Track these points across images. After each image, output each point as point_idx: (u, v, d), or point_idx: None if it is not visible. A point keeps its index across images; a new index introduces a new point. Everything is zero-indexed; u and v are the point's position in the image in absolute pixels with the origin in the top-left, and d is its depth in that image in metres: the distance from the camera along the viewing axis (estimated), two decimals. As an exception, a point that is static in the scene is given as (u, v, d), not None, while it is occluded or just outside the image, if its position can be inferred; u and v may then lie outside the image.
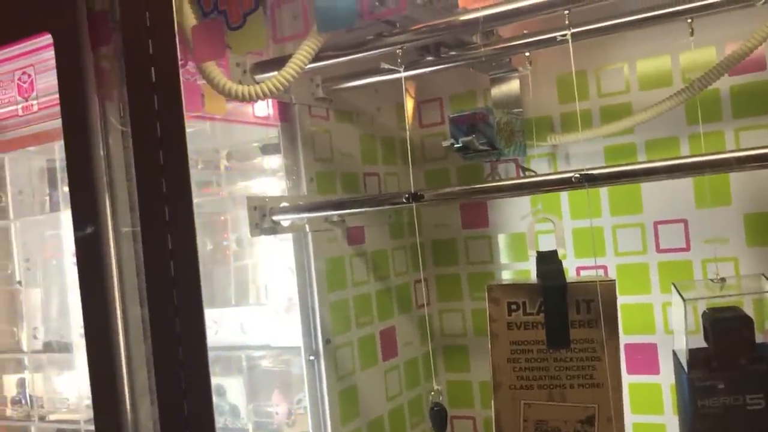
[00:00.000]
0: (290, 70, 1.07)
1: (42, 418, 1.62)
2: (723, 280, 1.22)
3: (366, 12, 1.00)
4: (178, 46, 0.94)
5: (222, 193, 1.57)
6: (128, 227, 1.01)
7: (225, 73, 1.11)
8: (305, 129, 1.42)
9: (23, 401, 1.64)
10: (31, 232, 1.67)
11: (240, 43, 1.06)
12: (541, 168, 1.61)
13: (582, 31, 1.24)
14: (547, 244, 1.15)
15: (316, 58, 1.11)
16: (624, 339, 1.53)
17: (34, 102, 1.35)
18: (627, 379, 1.53)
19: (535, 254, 1.15)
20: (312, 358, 1.39)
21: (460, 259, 1.75)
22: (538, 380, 1.13)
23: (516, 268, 1.70)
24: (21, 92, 1.35)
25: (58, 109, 1.03)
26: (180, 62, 0.94)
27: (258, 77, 1.23)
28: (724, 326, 1.12)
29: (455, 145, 1.39)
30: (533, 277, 1.17)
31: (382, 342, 1.58)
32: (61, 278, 1.63)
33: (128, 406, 1.01)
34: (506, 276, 1.71)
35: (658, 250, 1.52)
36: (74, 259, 1.04)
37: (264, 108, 1.39)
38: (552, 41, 1.28)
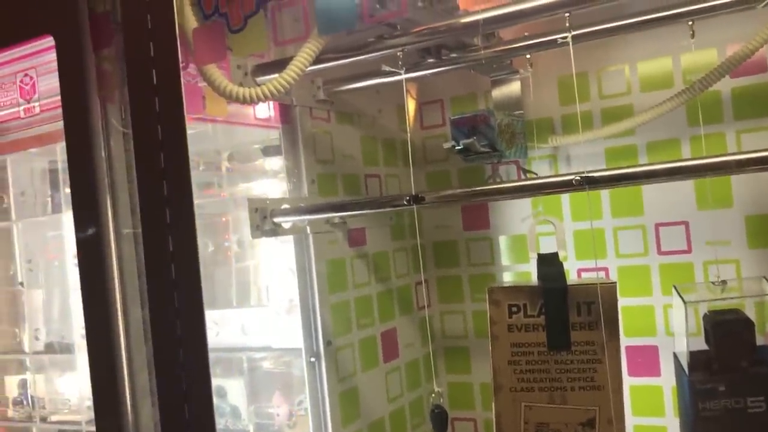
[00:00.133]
0: (291, 72, 1.07)
1: (43, 419, 1.62)
2: (724, 282, 1.21)
3: (366, 14, 1.00)
4: (179, 49, 0.94)
5: (223, 195, 1.57)
6: (129, 229, 1.01)
7: (226, 75, 1.11)
8: (306, 131, 1.43)
9: (25, 402, 1.64)
10: (33, 233, 1.67)
11: (241, 45, 1.06)
12: (542, 170, 1.61)
13: (583, 33, 1.24)
14: (548, 246, 1.14)
15: (317, 61, 1.11)
16: (625, 341, 1.53)
17: (36, 104, 1.35)
18: (628, 381, 1.53)
19: (536, 256, 1.15)
20: (313, 359, 1.39)
21: (461, 261, 1.75)
22: (539, 382, 1.13)
23: (517, 270, 1.70)
24: (23, 94, 1.36)
25: (59, 111, 1.03)
26: (181, 64, 0.95)
27: (259, 79, 1.24)
28: (725, 329, 1.12)
29: (456, 147, 1.39)
30: (534, 279, 1.17)
31: (383, 344, 1.58)
32: (62, 279, 1.63)
33: (129, 408, 1.01)
34: (507, 278, 1.71)
35: (660, 252, 1.52)
36: (76, 261, 1.05)
37: (265, 110, 1.39)
38: (553, 44, 1.28)
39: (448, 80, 1.70)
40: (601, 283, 1.10)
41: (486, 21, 1.10)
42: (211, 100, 1.19)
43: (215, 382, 1.51)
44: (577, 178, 1.03)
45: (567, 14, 1.06)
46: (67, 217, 1.56)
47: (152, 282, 0.98)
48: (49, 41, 1.03)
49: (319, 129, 1.47)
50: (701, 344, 1.15)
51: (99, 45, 1.01)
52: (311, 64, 1.09)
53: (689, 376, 1.12)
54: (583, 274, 1.57)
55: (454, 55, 1.36)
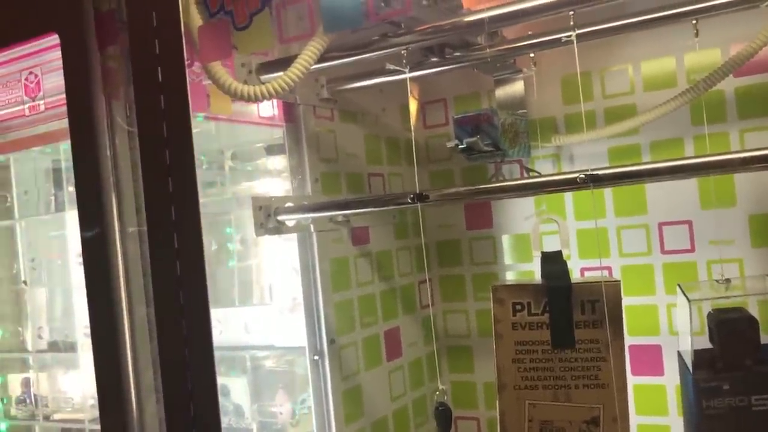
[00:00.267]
0: (296, 70, 1.07)
1: (46, 418, 1.62)
2: (728, 280, 1.22)
3: (372, 12, 1.01)
4: (184, 46, 0.94)
5: (227, 194, 1.57)
6: (134, 227, 1.01)
7: (230, 73, 1.11)
8: (310, 129, 1.43)
9: (28, 401, 1.64)
10: (36, 231, 1.68)
11: (246, 43, 1.06)
12: (545, 169, 1.61)
13: (587, 32, 1.24)
14: (551, 246, 1.15)
15: (321, 59, 1.11)
16: (628, 340, 1.52)
17: (41, 102, 1.35)
18: (631, 381, 1.53)
19: (539, 255, 1.15)
20: (316, 357, 1.39)
21: (464, 260, 1.75)
22: (543, 380, 1.13)
23: (520, 269, 1.70)
24: (28, 92, 1.36)
25: (64, 109, 1.03)
26: (186, 62, 0.95)
27: (263, 77, 1.24)
28: (729, 327, 1.12)
29: (459, 146, 1.39)
30: (537, 277, 1.17)
31: (386, 342, 1.58)
32: (65, 278, 1.63)
33: (134, 406, 1.01)
34: (510, 277, 1.71)
35: (663, 252, 1.52)
36: (79, 259, 1.05)
37: (269, 108, 1.39)
38: (557, 42, 1.28)
39: (451, 79, 1.70)
40: (605, 282, 1.11)
41: (490, 19, 1.10)
42: (216, 99, 1.19)
43: (219, 380, 1.51)
44: (582, 176, 1.03)
45: (571, 12, 1.06)
46: (71, 216, 1.57)
47: (157, 279, 0.98)
48: (54, 39, 1.04)
49: (323, 128, 1.47)
50: (705, 343, 1.15)
51: (104, 43, 1.01)
52: (315, 63, 1.09)
53: (693, 374, 1.12)
54: (587, 273, 1.57)
55: (457, 53, 1.37)
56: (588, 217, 1.57)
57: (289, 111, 1.41)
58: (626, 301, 1.13)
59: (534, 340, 1.13)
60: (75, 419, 1.60)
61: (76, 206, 1.04)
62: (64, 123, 1.03)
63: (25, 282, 1.67)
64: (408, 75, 1.22)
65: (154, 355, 1.01)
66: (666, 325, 1.52)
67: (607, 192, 1.55)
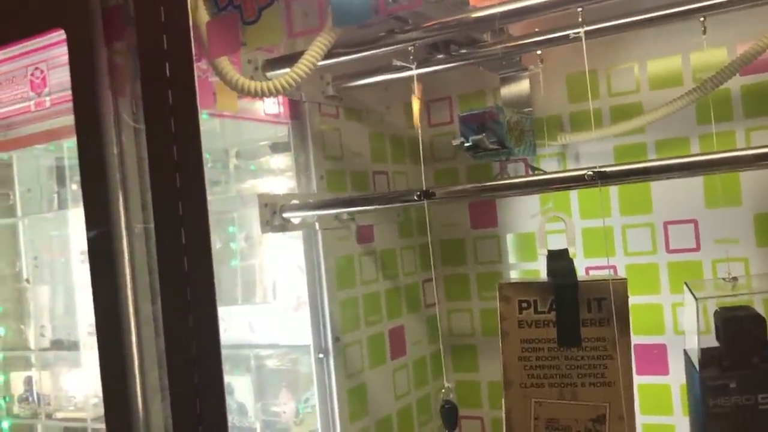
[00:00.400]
0: (303, 66, 1.07)
1: (49, 416, 1.62)
2: (735, 279, 1.21)
3: (381, 7, 1.00)
4: (192, 42, 0.94)
5: (231, 192, 1.57)
6: (140, 224, 1.01)
7: (237, 69, 1.11)
8: (315, 127, 1.42)
9: (30, 399, 1.64)
10: (38, 229, 1.67)
11: (255, 38, 1.06)
12: (550, 167, 1.60)
13: (595, 29, 1.23)
14: (556, 244, 1.14)
15: (328, 56, 1.11)
16: (633, 339, 1.51)
17: (47, 98, 1.35)
18: (636, 380, 1.51)
19: (545, 253, 1.15)
20: (321, 355, 1.39)
21: (468, 259, 1.75)
22: (549, 378, 1.12)
23: (524, 268, 1.69)
24: (34, 88, 1.36)
25: (70, 105, 1.03)
26: (194, 58, 0.94)
27: (269, 74, 1.24)
28: (736, 325, 1.12)
29: (465, 144, 1.39)
30: (542, 276, 1.16)
31: (390, 341, 1.58)
32: (68, 276, 1.63)
33: (140, 404, 1.01)
34: (515, 276, 1.70)
35: (668, 251, 1.52)
36: (82, 257, 1.04)
37: (274, 105, 1.39)
38: (564, 39, 1.28)
39: (456, 77, 1.70)
40: (612, 280, 1.10)
41: (497, 16, 1.10)
42: (222, 95, 1.19)
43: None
44: (590, 173, 1.02)
45: (580, 9, 1.06)
46: (73, 214, 1.56)
47: (164, 276, 0.98)
48: (60, 35, 1.03)
49: (328, 125, 1.47)
50: (711, 341, 1.15)
51: (111, 38, 1.01)
52: (323, 59, 1.09)
53: (700, 372, 1.12)
54: (592, 272, 1.56)
55: (463, 51, 1.36)
56: (593, 215, 1.57)
57: (294, 108, 1.41)
58: (631, 300, 1.13)
59: (540, 338, 1.13)
60: (77, 418, 1.60)
61: (78, 204, 1.04)
62: (70, 119, 1.03)
63: (27, 280, 1.67)
64: (415, 72, 1.22)
65: (160, 352, 1.00)
66: (671, 324, 1.51)
67: (613, 191, 1.55)
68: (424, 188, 1.16)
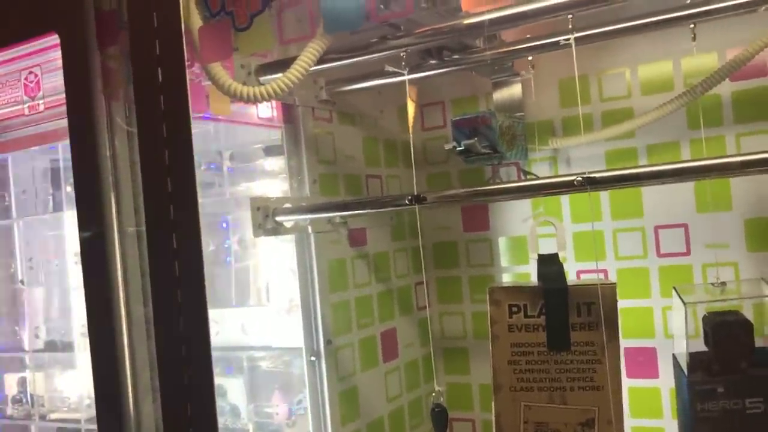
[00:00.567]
0: (295, 71, 1.08)
1: (42, 417, 1.62)
2: (723, 284, 1.22)
3: (372, 14, 1.01)
4: (185, 47, 0.95)
5: (225, 195, 1.58)
6: (132, 227, 1.02)
7: (230, 74, 1.12)
8: (308, 131, 1.43)
9: (24, 400, 1.64)
10: (34, 231, 1.68)
11: (247, 44, 1.07)
12: (542, 171, 1.61)
13: (585, 35, 1.24)
14: (547, 248, 1.15)
15: (320, 61, 1.12)
16: (623, 343, 1.52)
17: (41, 102, 1.35)
18: (626, 383, 1.54)
19: (536, 257, 1.16)
20: (313, 358, 1.40)
21: (460, 262, 1.76)
22: (539, 382, 1.13)
23: (516, 271, 1.70)
24: (27, 91, 1.36)
25: (64, 108, 1.04)
26: (186, 63, 0.95)
27: (262, 79, 1.24)
28: (724, 330, 1.12)
29: (457, 148, 1.39)
30: (534, 279, 1.17)
31: (382, 343, 1.58)
32: (63, 278, 1.63)
33: (131, 405, 1.01)
34: (506, 279, 1.71)
35: (659, 255, 1.53)
36: (76, 259, 1.05)
37: (267, 110, 1.40)
38: (555, 45, 1.29)
39: (449, 82, 1.71)
40: (601, 284, 1.11)
41: (489, 22, 1.11)
42: (215, 99, 1.20)
43: (215, 380, 1.51)
44: (579, 178, 1.03)
45: (570, 16, 1.07)
46: (68, 216, 1.57)
47: (155, 279, 0.99)
48: (54, 39, 1.04)
49: (321, 129, 1.48)
50: (700, 346, 1.15)
51: (105, 43, 1.02)
52: (315, 64, 1.10)
53: (688, 377, 1.12)
54: (583, 276, 1.57)
55: (456, 56, 1.37)
56: (584, 219, 1.58)
57: (287, 112, 1.42)
58: (622, 303, 1.13)
59: (530, 342, 1.14)
60: (71, 419, 1.60)
61: (74, 206, 1.04)
62: (64, 123, 1.04)
63: (22, 281, 1.67)
64: (407, 77, 1.23)
65: (152, 354, 1.01)
66: (661, 327, 1.52)
67: (604, 195, 1.56)
68: (416, 193, 1.17)
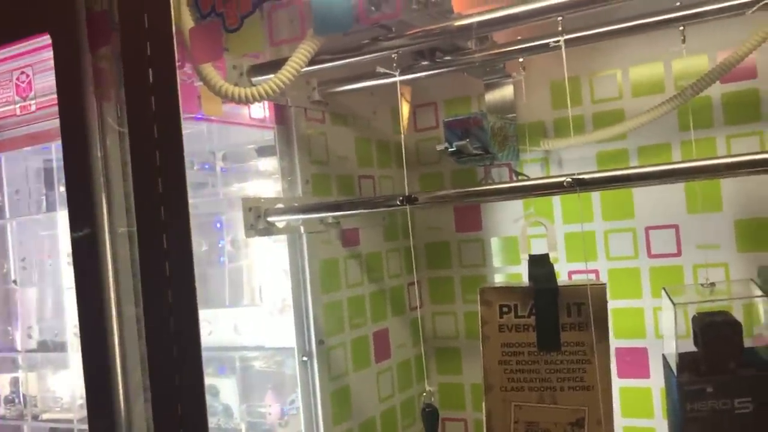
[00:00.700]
0: (287, 72, 1.08)
1: (35, 417, 1.62)
2: (713, 284, 1.23)
3: (362, 16, 1.01)
4: (175, 48, 0.95)
5: (218, 195, 1.58)
6: (124, 228, 1.02)
7: (222, 75, 1.12)
8: (301, 131, 1.43)
9: (17, 400, 1.64)
10: (27, 231, 1.68)
11: (237, 45, 1.07)
12: (533, 173, 1.62)
13: (575, 37, 1.25)
14: (539, 248, 1.15)
15: (313, 62, 1.12)
16: (615, 343, 1.54)
17: (32, 102, 1.35)
18: (618, 383, 1.55)
19: (527, 257, 1.16)
20: (305, 358, 1.40)
21: (453, 262, 1.76)
22: (529, 382, 1.14)
23: (508, 271, 1.71)
24: (19, 92, 1.36)
25: (56, 109, 1.04)
26: (177, 64, 0.95)
27: (255, 80, 1.24)
28: (713, 330, 1.13)
29: (449, 149, 1.40)
30: (525, 280, 1.18)
31: (375, 344, 1.59)
32: (56, 278, 1.63)
33: (122, 405, 1.02)
34: (498, 279, 1.72)
35: (650, 255, 1.53)
36: (69, 259, 1.05)
37: (260, 110, 1.40)
38: (545, 47, 1.29)
39: (441, 83, 1.71)
40: (590, 285, 1.11)
41: (480, 24, 1.11)
42: (207, 100, 1.20)
43: (208, 380, 1.51)
44: (569, 179, 1.04)
45: (560, 18, 1.07)
46: (62, 216, 1.57)
47: (146, 279, 0.99)
48: (46, 39, 1.04)
49: (314, 130, 1.48)
50: (690, 346, 1.16)
51: (96, 43, 1.02)
52: (306, 65, 1.10)
53: (678, 377, 1.13)
54: (574, 276, 1.58)
55: (448, 58, 1.38)
56: (576, 220, 1.58)
57: (280, 113, 1.42)
58: (613, 304, 1.14)
59: (520, 342, 1.14)
60: (64, 419, 1.60)
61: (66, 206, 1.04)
62: (56, 123, 1.04)
63: (15, 281, 1.67)
64: (398, 78, 1.23)
65: (143, 355, 1.01)
66: (652, 328, 1.53)
67: (595, 196, 1.56)
68: (407, 193, 1.17)
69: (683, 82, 1.39)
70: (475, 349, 1.17)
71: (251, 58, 1.26)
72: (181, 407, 0.97)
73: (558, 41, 1.10)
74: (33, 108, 1.35)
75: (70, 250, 1.04)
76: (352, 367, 1.50)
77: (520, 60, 1.47)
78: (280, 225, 1.33)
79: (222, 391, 1.52)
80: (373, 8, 1.03)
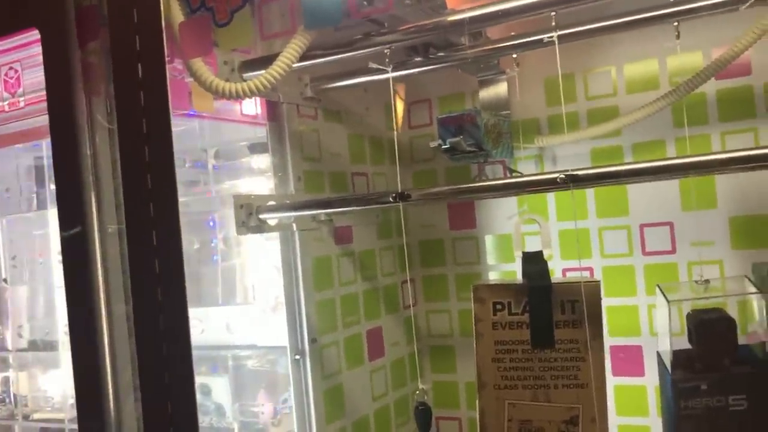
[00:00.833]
0: (278, 68, 1.07)
1: (26, 417, 1.61)
2: (707, 281, 1.22)
3: (353, 10, 1.01)
4: (165, 43, 0.94)
5: (209, 193, 1.57)
6: (114, 225, 1.01)
7: (213, 70, 1.11)
8: (293, 128, 1.43)
9: (7, 400, 1.64)
10: (18, 229, 1.67)
11: (227, 39, 1.06)
12: (528, 169, 1.61)
13: (569, 33, 1.24)
14: (533, 246, 1.15)
15: (305, 57, 1.11)
16: (609, 341, 1.53)
17: (21, 98, 1.34)
18: (612, 381, 1.54)
19: (521, 254, 1.15)
20: (298, 357, 1.39)
21: (447, 260, 1.76)
22: (523, 380, 1.13)
23: (502, 269, 1.70)
24: (8, 88, 1.35)
25: (45, 105, 1.03)
26: (167, 59, 0.94)
27: (246, 75, 1.23)
28: (708, 328, 1.13)
29: (443, 146, 1.39)
30: (519, 277, 1.17)
31: (368, 342, 1.58)
32: (47, 276, 1.62)
33: (112, 404, 1.01)
34: (492, 277, 1.71)
35: (644, 253, 1.53)
36: (60, 257, 1.04)
37: (252, 107, 1.39)
38: (539, 43, 1.29)
39: (435, 80, 1.70)
40: (584, 282, 1.11)
41: (472, 19, 1.11)
42: (198, 96, 1.19)
43: (200, 379, 1.51)
44: (562, 176, 1.03)
45: (553, 13, 1.07)
46: (52, 214, 1.56)
47: (135, 277, 0.98)
48: (35, 34, 1.03)
49: (307, 126, 1.47)
50: (684, 343, 1.16)
51: (85, 38, 1.01)
52: (298, 60, 1.09)
53: (672, 374, 1.13)
54: (568, 274, 1.57)
55: (441, 54, 1.37)
56: (570, 217, 1.58)
57: (272, 109, 1.41)
58: (607, 301, 1.13)
59: (514, 340, 1.14)
60: (55, 419, 1.59)
61: (57, 204, 1.04)
62: (45, 119, 1.03)
63: (5, 280, 1.66)
64: (391, 74, 1.22)
65: (133, 353, 1.00)
66: (647, 325, 1.53)
67: (589, 193, 1.56)
68: (400, 190, 1.17)
69: (678, 79, 1.38)
70: (470, 347, 1.16)
71: (243, 54, 1.25)
72: (171, 406, 0.96)
73: (551, 37, 1.09)
74: (22, 104, 1.34)
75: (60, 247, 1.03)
76: (345, 365, 1.49)
77: (514, 56, 1.46)
78: (272, 222, 1.32)
79: (214, 390, 1.52)
80: (365, 2, 1.02)
